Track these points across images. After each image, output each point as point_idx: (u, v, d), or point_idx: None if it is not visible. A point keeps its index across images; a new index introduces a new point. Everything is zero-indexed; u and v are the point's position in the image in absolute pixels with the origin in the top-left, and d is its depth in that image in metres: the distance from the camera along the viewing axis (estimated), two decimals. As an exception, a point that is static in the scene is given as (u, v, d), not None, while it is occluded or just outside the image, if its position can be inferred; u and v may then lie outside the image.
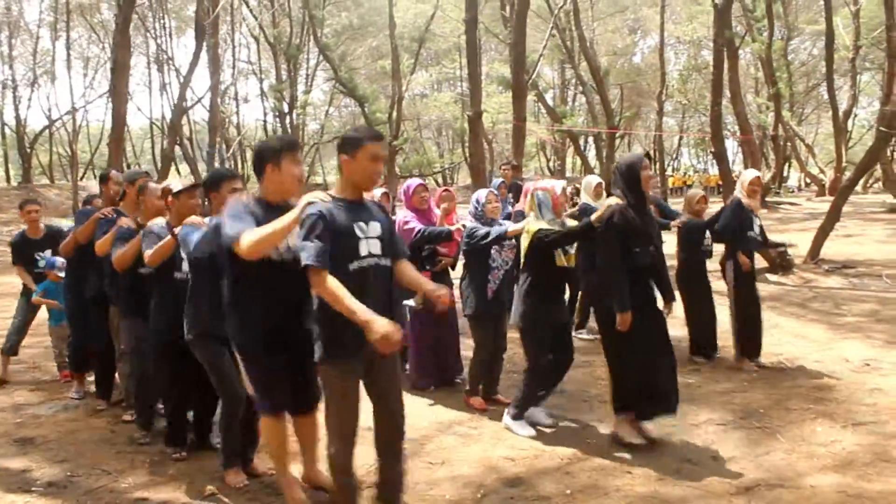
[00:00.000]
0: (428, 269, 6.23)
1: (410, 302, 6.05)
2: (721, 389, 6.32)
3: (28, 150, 39.85)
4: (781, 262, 11.95)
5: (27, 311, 7.17)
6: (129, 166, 40.59)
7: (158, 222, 4.89)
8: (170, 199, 4.91)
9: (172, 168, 28.73)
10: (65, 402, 6.27)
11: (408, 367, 6.50)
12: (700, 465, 4.72)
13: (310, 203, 3.36)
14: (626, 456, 4.88)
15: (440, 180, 49.52)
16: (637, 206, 4.96)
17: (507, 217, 8.05)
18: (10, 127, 41.71)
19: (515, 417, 5.43)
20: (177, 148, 25.50)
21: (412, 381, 6.42)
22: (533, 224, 5.25)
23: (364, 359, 3.47)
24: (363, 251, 3.45)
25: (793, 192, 36.64)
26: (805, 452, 4.90)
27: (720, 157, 13.40)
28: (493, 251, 5.77)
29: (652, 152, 50.21)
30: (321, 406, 3.89)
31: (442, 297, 3.58)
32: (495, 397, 6.05)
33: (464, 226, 5.82)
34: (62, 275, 6.69)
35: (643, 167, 4.97)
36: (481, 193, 5.98)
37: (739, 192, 7.07)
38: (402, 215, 6.31)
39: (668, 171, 43.70)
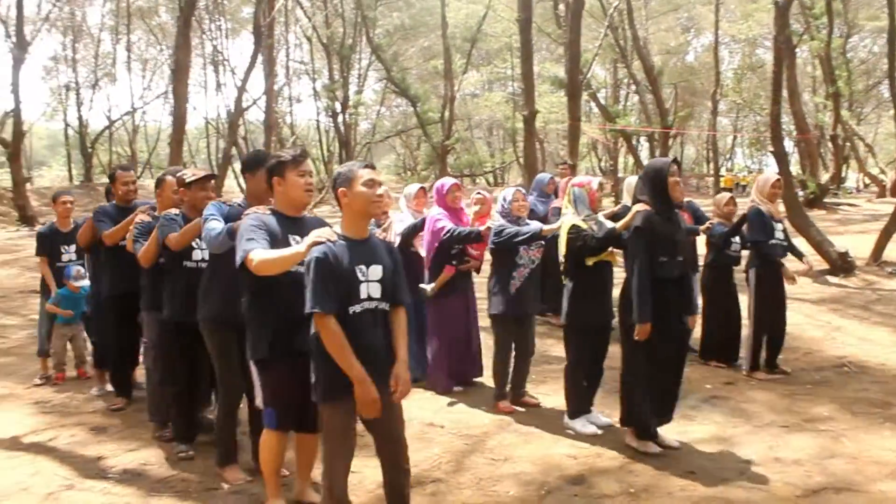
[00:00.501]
0: (453, 265, 6.25)
1: (427, 287, 6.19)
2: (784, 392, 6.26)
3: (89, 150, 40.83)
4: (843, 265, 11.73)
5: (50, 315, 7.12)
6: (185, 165, 41.38)
7: (172, 211, 5.00)
8: (181, 189, 5.03)
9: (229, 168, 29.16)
10: (134, 394, 6.41)
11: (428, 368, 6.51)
12: (764, 468, 4.70)
13: (316, 243, 3.38)
14: (690, 459, 4.87)
15: (491, 180, 49.51)
16: (663, 212, 4.90)
17: (545, 214, 8.08)
18: (73, 127, 42.78)
19: (572, 416, 5.47)
20: (233, 148, 25.90)
21: (433, 383, 6.41)
22: (567, 221, 5.31)
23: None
24: (363, 294, 3.44)
25: (851, 193, 35.82)
26: (872, 457, 4.83)
27: (780, 157, 13.16)
28: (520, 249, 5.78)
29: (705, 152, 49.75)
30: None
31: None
32: (523, 399, 6.05)
33: (489, 228, 5.79)
34: (79, 284, 6.78)
35: (671, 173, 4.90)
36: (508, 192, 5.99)
37: (757, 199, 6.86)
38: (435, 213, 6.34)
39: (722, 172, 43.01)
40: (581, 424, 5.39)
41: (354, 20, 36.47)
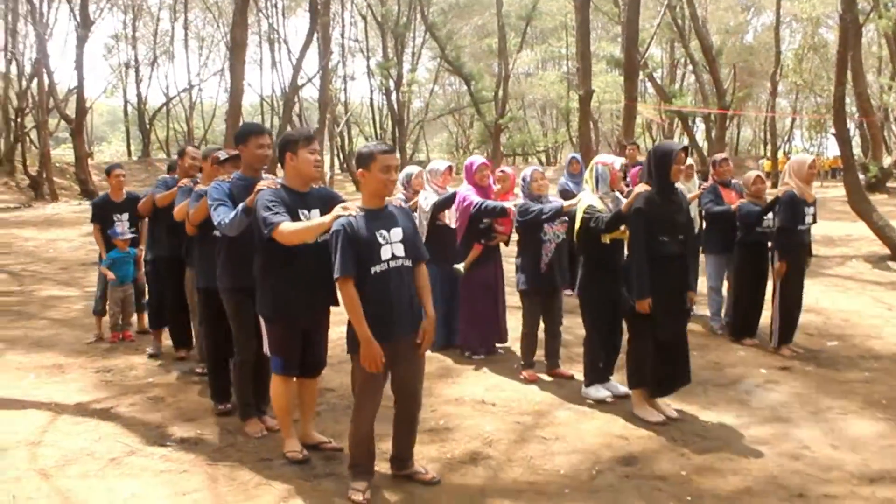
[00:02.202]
0: (481, 243, 6.56)
1: (459, 266, 6.52)
2: (841, 379, 6.15)
3: (147, 126, 41.60)
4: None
5: (104, 278, 7.61)
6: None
7: (202, 187, 5.28)
8: (214, 166, 5.38)
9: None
10: (190, 365, 6.57)
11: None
12: (820, 454, 4.63)
13: (339, 216, 3.82)
14: (743, 444, 4.84)
15: (543, 159, 49.20)
16: (664, 193, 5.07)
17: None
18: (131, 104, 43.64)
19: (588, 385, 5.67)
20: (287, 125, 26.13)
21: (463, 348, 6.79)
22: (585, 199, 5.48)
23: (388, 349, 3.85)
24: (385, 255, 3.87)
25: (916, 177, 34.81)
26: (932, 446, 4.74)
27: (843, 139, 12.83)
28: (545, 226, 6.00)
29: (763, 134, 48.69)
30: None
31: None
32: (557, 371, 6.23)
33: (515, 205, 6.08)
34: (124, 238, 7.43)
35: (676, 160, 5.05)
36: (528, 171, 6.25)
37: (791, 180, 6.77)
38: (464, 190, 6.59)
39: (779, 154, 42.07)
40: (595, 390, 5.62)
41: (409, -2, 36.45)
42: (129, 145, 46.47)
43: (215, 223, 4.55)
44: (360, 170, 3.96)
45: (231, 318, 4.86)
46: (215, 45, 44.82)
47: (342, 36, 42.01)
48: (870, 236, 12.38)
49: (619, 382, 5.70)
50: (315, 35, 26.64)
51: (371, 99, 45.61)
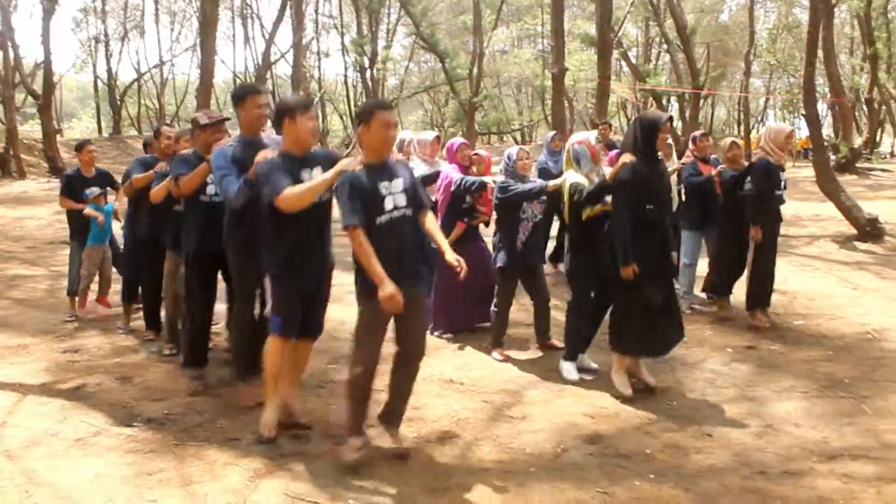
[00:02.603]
0: (465, 222, 6.63)
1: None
2: (805, 357, 6.24)
3: (118, 103, 41.01)
4: (872, 230, 11.58)
5: (80, 254, 7.66)
6: (213, 119, 41.36)
7: (187, 151, 5.45)
8: (196, 130, 5.37)
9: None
10: (159, 344, 6.53)
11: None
12: (782, 432, 4.71)
13: (342, 171, 3.92)
14: (707, 422, 4.90)
15: (518, 138, 49.18)
16: (647, 162, 5.13)
17: (559, 173, 8.19)
18: (102, 80, 42.93)
19: (565, 359, 5.78)
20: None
21: (438, 325, 6.83)
22: (570, 178, 5.53)
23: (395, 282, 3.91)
24: (388, 206, 4.00)
25: (885, 158, 35.14)
26: (891, 425, 4.82)
27: (812, 119, 12.94)
28: (524, 204, 6.06)
29: (737, 114, 48.96)
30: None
31: (457, 269, 4.18)
32: (549, 342, 6.38)
33: (495, 182, 6.15)
34: (98, 195, 7.48)
35: (663, 129, 5.15)
36: (513, 150, 6.26)
37: (767, 145, 6.90)
38: (446, 168, 6.71)
39: (754, 134, 42.35)
40: (567, 370, 5.72)
41: (384, -26, 36.12)
42: (99, 122, 45.80)
43: (221, 196, 4.67)
44: (360, 126, 4.06)
45: (237, 275, 4.96)
46: (187, 20, 44.18)
47: (316, 12, 41.63)
48: (838, 216, 12.51)
49: (590, 359, 5.89)
50: (288, 11, 26.37)
51: (345, 76, 45.28)
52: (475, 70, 32.07)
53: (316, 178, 4.23)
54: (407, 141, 7.05)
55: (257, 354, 4.95)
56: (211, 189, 5.21)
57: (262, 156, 4.34)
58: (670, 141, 8.06)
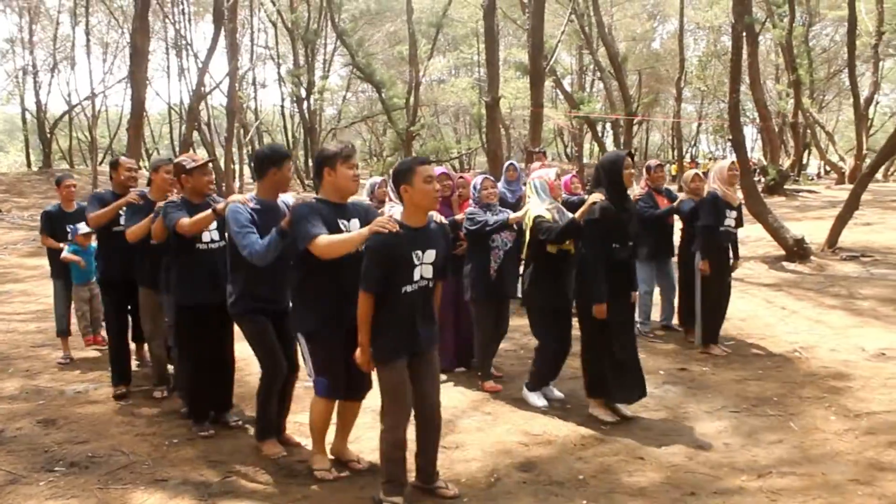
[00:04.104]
0: None
1: None
2: (735, 377, 6.34)
3: (48, 136, 40.06)
4: (799, 251, 11.89)
5: (65, 293, 7.42)
6: (147, 152, 40.82)
7: (174, 198, 5.21)
8: (183, 175, 5.16)
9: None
10: (84, 385, 6.35)
11: None
12: (713, 452, 4.77)
13: (377, 230, 3.77)
14: (639, 444, 4.93)
15: (457, 166, 49.43)
16: (618, 202, 5.24)
17: (518, 200, 8.20)
18: (30, 112, 41.90)
19: (531, 389, 5.79)
20: (195, 133, 25.60)
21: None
22: (533, 209, 5.58)
23: (411, 363, 3.99)
24: (416, 276, 3.91)
25: (812, 179, 36.24)
26: (818, 441, 4.92)
27: (738, 144, 13.26)
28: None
29: (669, 139, 50.07)
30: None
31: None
32: (495, 374, 6.33)
33: (466, 213, 6.12)
34: (83, 232, 7.07)
35: (625, 165, 5.27)
36: (478, 179, 6.26)
37: (715, 184, 7.05)
38: None
39: (687, 158, 43.33)
40: (535, 398, 5.73)
41: (320, 4, 36.05)
42: (28, 155, 44.68)
43: (245, 253, 4.37)
44: (403, 185, 3.91)
45: (256, 342, 4.70)
46: (120, 52, 43.37)
47: (252, 42, 41.42)
48: (766, 237, 12.82)
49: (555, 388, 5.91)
50: (222, 41, 26.16)
51: (282, 106, 45.07)
52: (412, 99, 32.18)
53: (353, 230, 4.16)
54: (379, 183, 6.95)
55: (285, 411, 4.97)
56: (207, 236, 5.08)
57: (300, 200, 4.27)
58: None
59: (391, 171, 4.15)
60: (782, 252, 12.15)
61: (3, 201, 27.12)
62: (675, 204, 7.54)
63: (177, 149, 37.56)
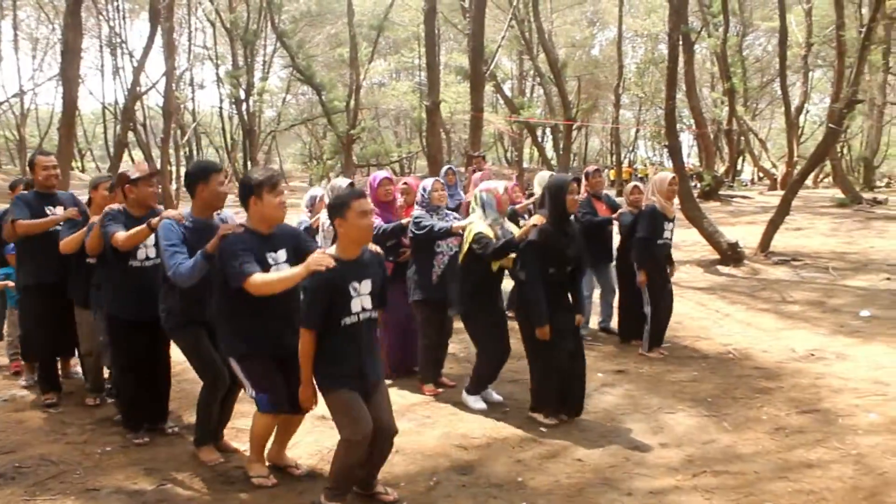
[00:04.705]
0: (390, 260, 6.31)
1: None
2: (672, 379, 6.44)
3: (-27, 133, 38.80)
4: (732, 255, 12.17)
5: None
6: (80, 152, 39.88)
7: (114, 206, 4.99)
8: (127, 186, 4.98)
9: (126, 155, 28.28)
10: (12, 392, 6.15)
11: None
12: (649, 452, 4.83)
13: (314, 270, 3.70)
14: (577, 446, 4.97)
15: (397, 169, 49.35)
16: (559, 226, 5.32)
17: (458, 206, 8.20)
18: (-46, 109, 40.54)
19: (471, 392, 5.78)
20: (130, 134, 25.03)
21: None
22: (475, 225, 5.54)
23: (361, 393, 3.95)
24: (355, 308, 3.92)
25: (746, 185, 37.10)
26: (750, 439, 5.03)
27: (674, 150, 13.52)
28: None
29: (608, 145, 50.79)
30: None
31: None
32: (440, 380, 6.29)
33: (411, 216, 6.05)
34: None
35: (570, 191, 5.33)
36: (428, 182, 6.24)
37: (654, 197, 7.15)
38: None
39: (626, 164, 44.01)
40: (473, 400, 5.74)
41: (259, 5, 35.66)
42: (-47, 154, 43.25)
43: (169, 273, 4.30)
44: (336, 219, 3.92)
45: (193, 354, 4.65)
46: (51, 48, 42.25)
47: (190, 42, 40.72)
48: (701, 242, 13.09)
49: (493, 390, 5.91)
50: (159, 40, 25.65)
51: (221, 108, 44.43)
52: (353, 102, 32.05)
53: (280, 262, 4.20)
54: (320, 196, 6.87)
55: (226, 419, 4.92)
56: (142, 253, 4.95)
57: (228, 228, 4.16)
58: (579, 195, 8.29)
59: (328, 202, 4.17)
60: (717, 256, 12.43)
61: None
62: (614, 216, 7.62)
63: (111, 149, 36.68)
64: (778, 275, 11.53)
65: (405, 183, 6.80)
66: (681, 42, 15.86)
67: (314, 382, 3.97)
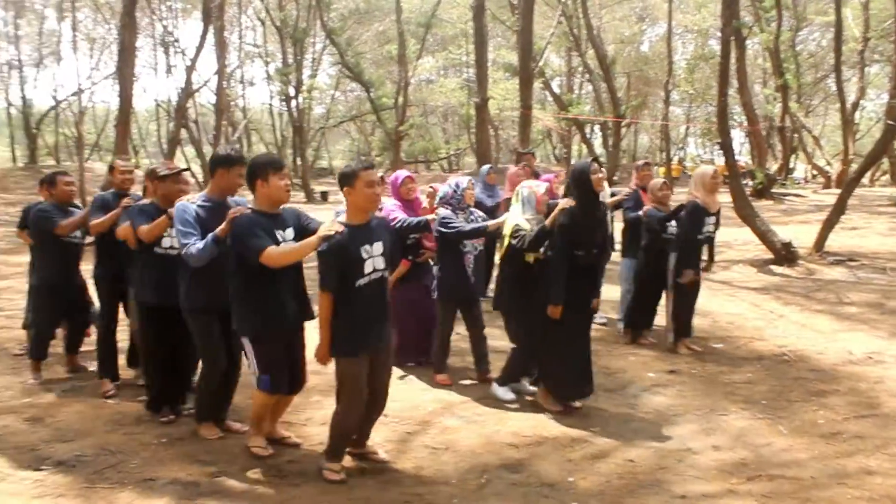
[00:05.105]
0: (409, 259, 6.51)
1: None
2: (726, 380, 6.35)
3: (34, 131, 39.81)
4: (786, 254, 11.95)
5: None
6: (135, 149, 40.61)
7: (145, 201, 5.43)
8: (154, 181, 5.37)
9: (178, 152, 28.74)
10: (72, 384, 6.29)
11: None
12: (702, 454, 4.77)
13: (325, 236, 4.03)
14: (628, 446, 4.92)
15: (445, 166, 49.44)
16: (587, 208, 5.40)
17: (497, 206, 8.22)
18: (16, 107, 41.67)
19: (501, 384, 5.88)
20: (183, 131, 25.46)
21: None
22: (513, 219, 5.65)
23: (370, 352, 4.29)
24: (368, 269, 4.19)
25: (799, 183, 36.39)
26: (806, 443, 4.94)
27: (727, 148, 13.31)
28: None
29: (658, 142, 50.24)
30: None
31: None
32: (488, 375, 6.27)
33: (437, 216, 6.09)
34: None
35: (592, 171, 5.41)
36: (463, 180, 6.32)
37: (696, 191, 7.07)
38: (390, 205, 6.48)
39: (675, 161, 43.44)
40: (503, 392, 5.83)
41: (308, 3, 35.97)
42: (13, 151, 44.40)
43: (183, 252, 4.55)
44: (345, 188, 4.20)
45: (200, 339, 4.89)
46: (107, 48, 43.16)
47: (240, 40, 41.30)
48: (754, 241, 12.88)
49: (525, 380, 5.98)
50: (211, 39, 26.06)
51: (270, 105, 44.97)
52: (401, 99, 32.19)
53: (289, 239, 4.42)
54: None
55: (227, 403, 5.20)
56: (166, 241, 5.18)
57: (237, 211, 4.39)
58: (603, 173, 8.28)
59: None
60: (770, 255, 12.20)
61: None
62: (641, 213, 7.53)
63: (164, 146, 37.33)
64: (834, 275, 11.29)
65: (432, 187, 6.97)
66: (733, 38, 15.67)
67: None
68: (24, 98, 40.62)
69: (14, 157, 43.71)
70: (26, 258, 7.13)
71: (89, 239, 6.45)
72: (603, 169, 5.64)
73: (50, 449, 4.87)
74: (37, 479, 4.41)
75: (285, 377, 4.56)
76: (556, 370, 5.55)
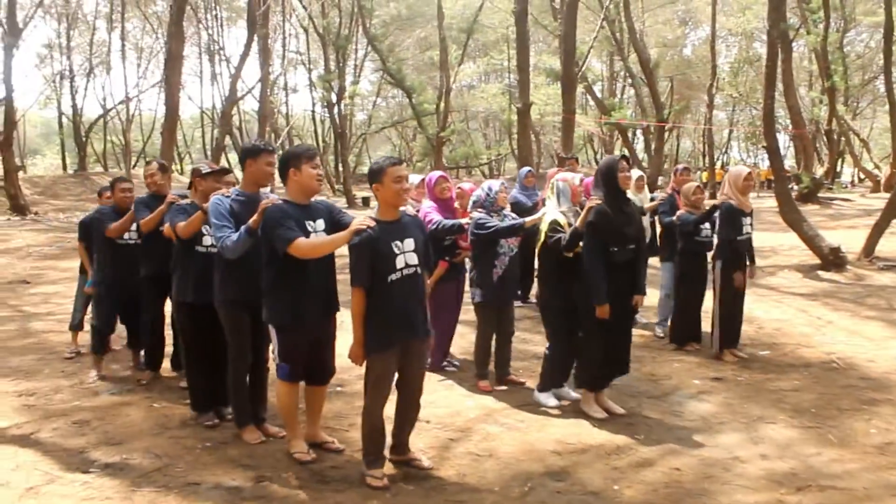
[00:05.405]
0: (446, 260, 6.54)
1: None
2: (773, 388, 6.24)
3: (83, 139, 40.65)
4: (834, 259, 11.72)
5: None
6: (180, 155, 41.29)
7: (185, 201, 5.57)
8: (197, 178, 5.48)
9: (223, 158, 29.07)
10: (119, 386, 6.40)
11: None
12: (750, 463, 4.68)
13: (357, 231, 4.10)
14: (673, 455, 4.86)
15: (487, 172, 49.41)
16: (616, 205, 5.38)
17: (535, 205, 8.21)
18: (66, 116, 42.59)
19: (541, 390, 5.88)
20: (227, 137, 25.80)
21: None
22: (549, 214, 5.66)
23: (402, 349, 4.31)
24: (399, 264, 4.22)
25: (846, 187, 35.75)
26: (858, 454, 4.82)
27: (773, 151, 13.11)
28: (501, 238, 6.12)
29: (701, 146, 49.71)
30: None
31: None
32: (508, 378, 6.34)
33: (471, 219, 6.13)
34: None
35: (620, 169, 5.40)
36: (495, 183, 6.33)
37: (729, 193, 7.00)
38: (426, 206, 6.56)
39: (718, 165, 42.90)
40: (545, 398, 5.83)
41: (351, 10, 36.34)
42: (63, 158, 45.37)
43: (217, 245, 4.67)
44: (374, 184, 4.27)
45: (230, 331, 4.96)
46: (154, 56, 43.99)
47: (283, 48, 41.74)
48: (801, 246, 12.66)
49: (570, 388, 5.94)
50: (255, 47, 26.37)
51: (313, 111, 45.36)
52: (442, 105, 32.27)
53: (319, 230, 4.49)
54: (417, 184, 6.99)
55: (260, 399, 5.27)
56: (207, 240, 5.23)
57: (268, 202, 4.44)
58: (642, 174, 8.28)
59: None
60: (817, 261, 11.99)
61: (39, 203, 27.54)
62: (674, 218, 7.50)
63: (209, 153, 37.86)
64: (884, 281, 11.04)
65: (460, 187, 6.95)
66: (779, 40, 15.38)
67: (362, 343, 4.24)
68: (74, 107, 41.50)
69: (64, 165, 44.66)
70: (75, 263, 7.32)
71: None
72: (635, 168, 5.62)
73: (97, 452, 4.94)
74: (85, 481, 4.48)
75: (303, 366, 4.64)
76: (591, 365, 5.54)
